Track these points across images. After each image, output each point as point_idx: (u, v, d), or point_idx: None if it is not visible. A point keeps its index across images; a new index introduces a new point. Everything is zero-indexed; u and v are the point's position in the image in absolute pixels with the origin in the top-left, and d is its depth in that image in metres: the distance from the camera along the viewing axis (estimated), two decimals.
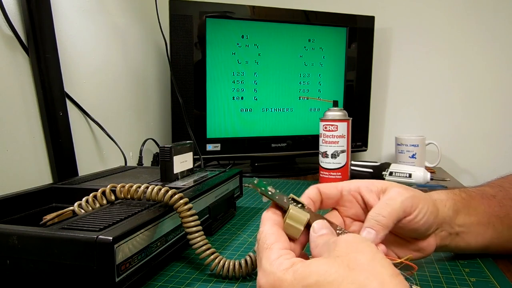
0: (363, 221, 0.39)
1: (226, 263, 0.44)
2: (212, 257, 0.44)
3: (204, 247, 0.44)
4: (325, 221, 0.36)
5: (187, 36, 1.03)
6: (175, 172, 0.60)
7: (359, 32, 1.19)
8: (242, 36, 1.09)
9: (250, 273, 0.44)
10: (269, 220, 0.36)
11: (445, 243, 0.43)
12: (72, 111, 0.80)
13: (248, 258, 0.44)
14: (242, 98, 1.11)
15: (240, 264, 0.44)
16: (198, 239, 0.44)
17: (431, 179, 0.94)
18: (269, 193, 0.38)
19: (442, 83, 1.27)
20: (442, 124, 1.28)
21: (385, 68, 1.31)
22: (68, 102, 0.77)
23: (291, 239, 0.36)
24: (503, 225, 0.45)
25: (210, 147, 1.09)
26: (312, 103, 1.18)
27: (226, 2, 1.08)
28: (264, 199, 0.38)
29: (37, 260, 0.36)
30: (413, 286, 0.38)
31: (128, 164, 0.94)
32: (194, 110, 1.06)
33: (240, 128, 1.12)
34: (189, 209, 0.44)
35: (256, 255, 0.34)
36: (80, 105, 0.83)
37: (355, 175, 0.94)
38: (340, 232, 0.37)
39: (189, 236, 0.44)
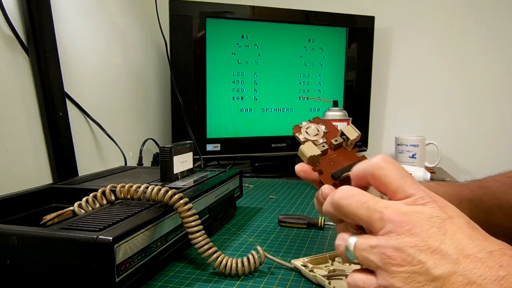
0: None
1: (229, 261, 0.44)
2: (214, 256, 0.44)
3: (206, 246, 0.44)
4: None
5: (187, 36, 1.03)
6: (175, 172, 0.60)
7: (359, 32, 1.19)
8: (242, 36, 1.09)
9: (252, 271, 0.45)
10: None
11: None
12: (72, 111, 0.80)
13: (250, 256, 0.45)
14: (242, 98, 1.11)
15: (242, 262, 0.44)
16: (200, 238, 0.44)
17: (431, 179, 0.94)
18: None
19: (442, 83, 1.27)
20: (442, 124, 1.28)
21: (385, 68, 1.31)
22: (68, 102, 0.77)
23: None
24: (478, 209, 0.46)
25: (210, 147, 1.08)
26: (312, 103, 1.18)
27: (226, 2, 1.08)
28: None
29: (37, 260, 0.36)
30: None
31: (128, 164, 0.94)
32: (194, 110, 1.06)
33: (240, 128, 1.12)
34: (189, 209, 0.44)
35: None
36: (80, 105, 0.83)
37: None
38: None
39: (191, 236, 0.44)
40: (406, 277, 0.26)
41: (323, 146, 0.38)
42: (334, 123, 0.41)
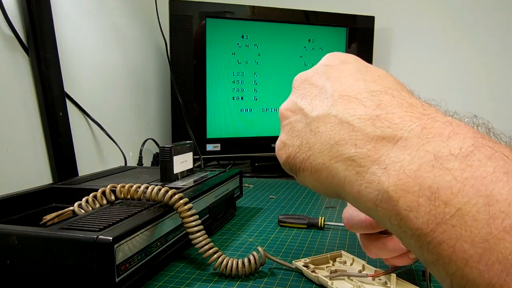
0: None
1: (230, 261, 0.44)
2: (215, 256, 0.44)
3: (206, 247, 0.44)
4: None
5: (187, 36, 1.03)
6: (175, 172, 0.60)
7: (359, 32, 1.19)
8: (242, 36, 1.09)
9: (254, 272, 0.45)
10: None
11: None
12: (72, 111, 0.80)
13: (251, 257, 0.44)
14: (242, 98, 1.11)
15: (243, 262, 0.44)
16: (200, 238, 0.44)
17: None
18: None
19: (442, 83, 1.27)
20: None
21: (385, 68, 1.30)
22: (68, 102, 0.77)
23: None
24: None
25: (210, 147, 1.08)
26: None
27: (226, 2, 1.08)
28: None
29: (37, 260, 0.36)
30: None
31: (128, 164, 0.94)
32: (194, 110, 1.06)
33: (240, 128, 1.12)
34: (189, 209, 0.44)
35: None
36: (80, 105, 0.83)
37: None
38: None
39: (191, 236, 0.44)
40: (288, 129, 0.27)
41: None
42: None
